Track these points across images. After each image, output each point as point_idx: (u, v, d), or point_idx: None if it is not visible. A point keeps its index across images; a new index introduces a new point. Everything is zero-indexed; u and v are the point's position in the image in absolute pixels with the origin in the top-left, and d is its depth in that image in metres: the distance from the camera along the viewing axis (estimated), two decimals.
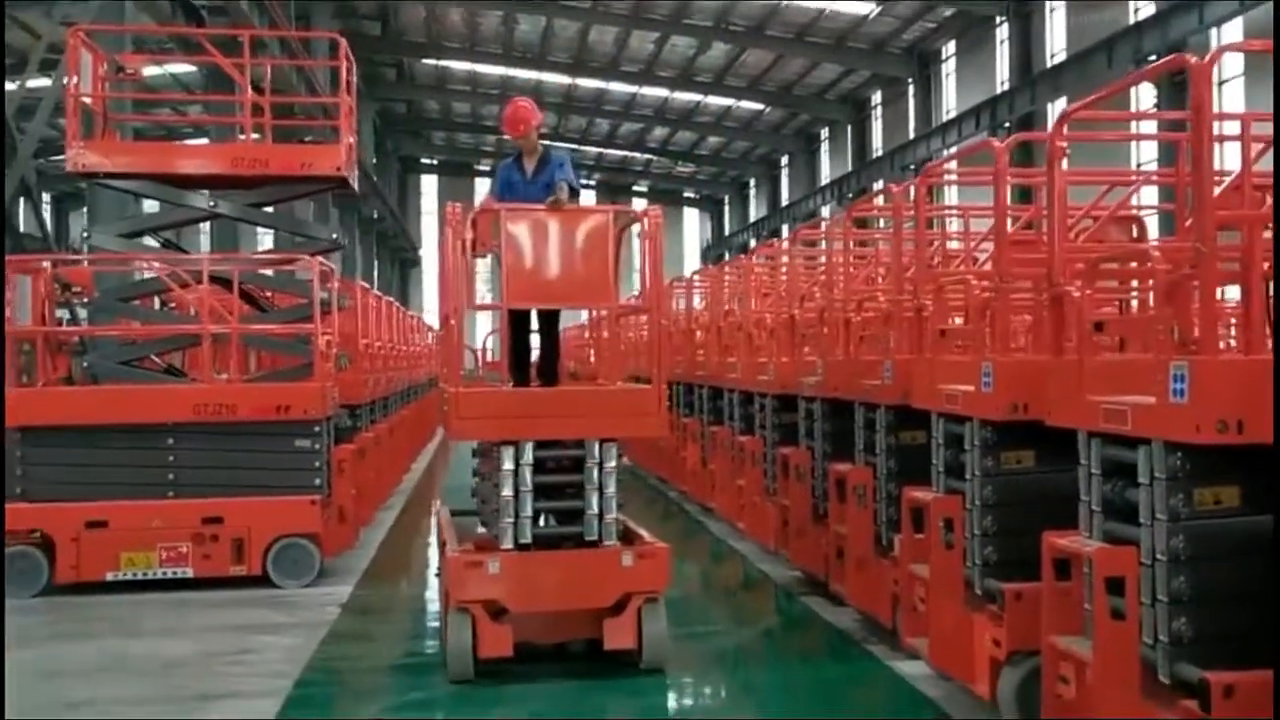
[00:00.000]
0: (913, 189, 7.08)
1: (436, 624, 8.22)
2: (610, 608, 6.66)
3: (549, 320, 7.62)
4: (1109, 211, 6.59)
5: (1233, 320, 6.58)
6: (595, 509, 6.67)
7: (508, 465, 6.57)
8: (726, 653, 7.87)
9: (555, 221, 6.93)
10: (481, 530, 7.66)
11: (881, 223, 14.58)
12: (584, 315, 17.90)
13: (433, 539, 12.33)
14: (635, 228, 7.38)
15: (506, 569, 6.52)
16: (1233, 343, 7.02)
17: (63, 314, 12.08)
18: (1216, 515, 4.10)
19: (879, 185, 37.98)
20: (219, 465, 9.31)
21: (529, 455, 6.59)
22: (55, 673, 6.97)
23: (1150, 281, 5.17)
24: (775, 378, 9.78)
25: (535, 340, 7.76)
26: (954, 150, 31.87)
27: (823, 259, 12.60)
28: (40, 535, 9.12)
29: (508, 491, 6.57)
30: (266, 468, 9.38)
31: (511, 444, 6.59)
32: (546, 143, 7.76)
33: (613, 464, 6.71)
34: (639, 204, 64.17)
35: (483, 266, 7.45)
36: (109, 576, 9.07)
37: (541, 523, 6.81)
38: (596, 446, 6.67)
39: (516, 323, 7.48)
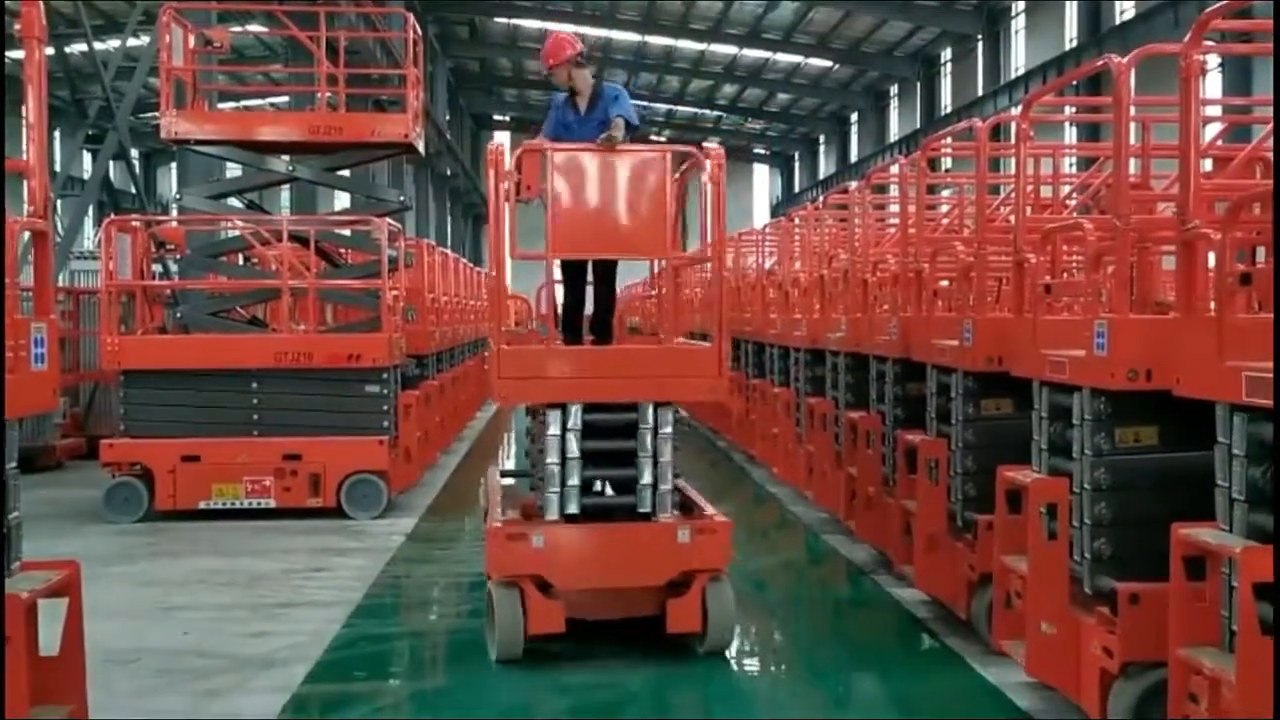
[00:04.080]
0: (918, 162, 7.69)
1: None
2: (669, 586, 6.13)
3: (605, 272, 7.07)
4: (1101, 179, 7.16)
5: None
6: (649, 478, 6.11)
7: (554, 430, 6.06)
8: (756, 577, 8.67)
9: (608, 162, 6.22)
10: (533, 493, 7.07)
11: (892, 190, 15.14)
12: (645, 268, 18.22)
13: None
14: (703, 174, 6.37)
15: (551, 542, 6.02)
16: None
17: (157, 269, 13.21)
18: (1135, 451, 4.76)
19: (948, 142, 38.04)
20: (298, 407, 10.30)
21: (576, 419, 6.06)
22: (155, 583, 8.02)
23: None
24: (807, 333, 10.46)
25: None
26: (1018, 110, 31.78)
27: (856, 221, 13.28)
28: (141, 468, 10.21)
29: (554, 459, 6.06)
30: (340, 410, 10.34)
31: (559, 407, 6.07)
32: (612, 83, 7.27)
33: (668, 429, 6.13)
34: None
35: (533, 213, 6.46)
36: (201, 505, 10.13)
37: (601, 489, 6.42)
38: (650, 410, 6.11)
39: (571, 275, 7.06)
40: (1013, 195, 8.25)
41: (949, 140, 8.35)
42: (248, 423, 10.29)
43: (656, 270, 7.45)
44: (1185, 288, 4.19)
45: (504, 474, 7.80)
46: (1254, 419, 3.77)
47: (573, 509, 6.09)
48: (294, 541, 9.35)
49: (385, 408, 10.42)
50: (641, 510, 6.16)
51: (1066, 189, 8.16)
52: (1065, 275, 6.27)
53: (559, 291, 7.16)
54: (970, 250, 6.39)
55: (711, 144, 6.33)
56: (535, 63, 51.07)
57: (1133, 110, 5.01)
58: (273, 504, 10.17)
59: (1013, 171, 6.22)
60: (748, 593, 8.28)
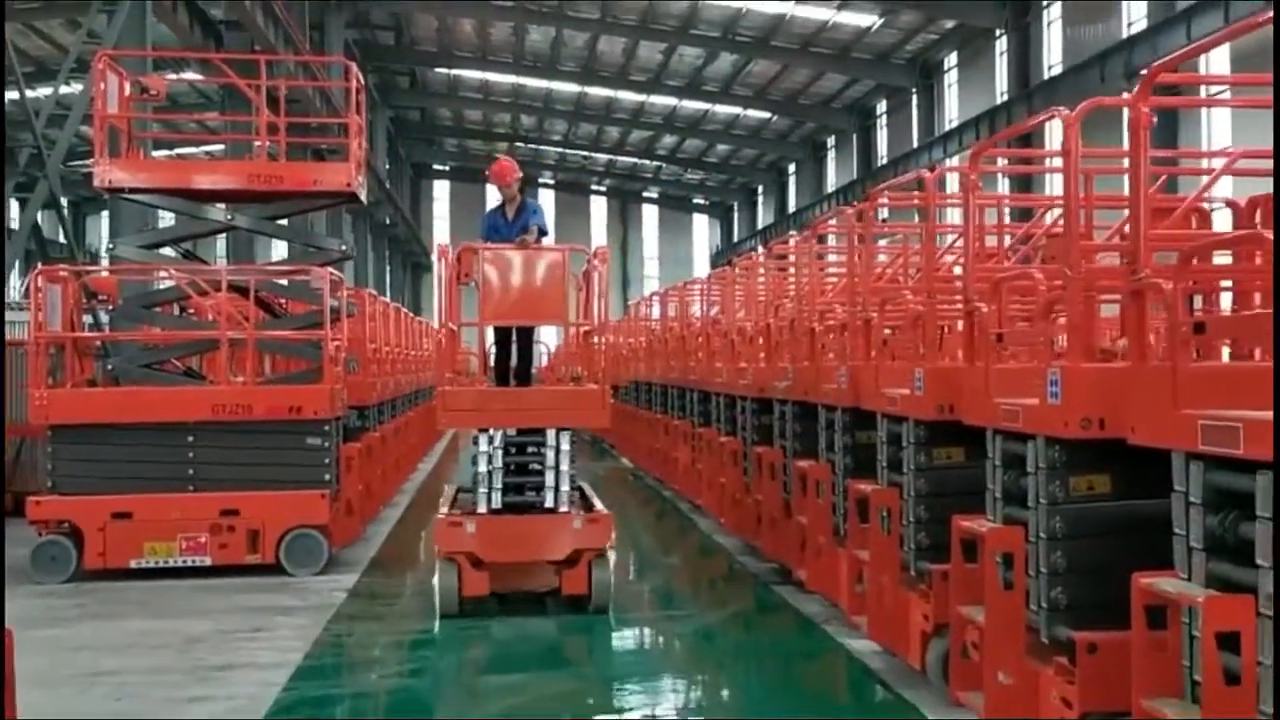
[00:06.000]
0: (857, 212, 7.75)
1: (434, 608, 9.00)
2: (566, 561, 8.32)
3: (524, 334, 9.40)
4: (1044, 229, 7.26)
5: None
6: (552, 482, 8.35)
7: (483, 447, 8.30)
8: (705, 630, 8.55)
9: (522, 257, 8.67)
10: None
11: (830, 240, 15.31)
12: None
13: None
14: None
15: (480, 528, 8.22)
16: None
17: (87, 319, 12.86)
18: (1090, 500, 4.76)
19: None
20: (235, 461, 10.02)
21: (499, 440, 8.32)
22: (85, 647, 7.69)
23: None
24: (753, 382, 10.44)
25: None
26: (952, 161, 32.47)
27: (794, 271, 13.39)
28: (69, 526, 9.84)
29: (483, 467, 8.30)
30: (280, 464, 10.08)
31: (486, 431, 8.31)
32: (533, 200, 9.76)
33: (567, 447, 8.37)
34: (648, 210, 65.16)
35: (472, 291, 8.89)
36: (133, 564, 9.78)
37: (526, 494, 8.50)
38: (554, 434, 8.34)
39: (502, 336, 9.28)
40: (954, 245, 8.37)
41: (886, 192, 8.40)
42: (183, 478, 9.99)
43: (578, 333, 9.50)
44: (1136, 337, 4.21)
45: (460, 490, 9.65)
46: (1210, 467, 3.77)
47: (497, 505, 8.31)
48: (231, 600, 9.06)
49: (327, 460, 10.19)
50: (547, 506, 8.35)
51: (1008, 239, 8.24)
52: (1016, 324, 6.30)
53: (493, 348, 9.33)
54: (920, 299, 6.42)
55: (602, 246, 9.39)
56: (475, 113, 51.32)
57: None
58: (209, 562, 9.86)
59: (954, 221, 6.31)
60: (696, 646, 8.20)
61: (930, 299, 6.16)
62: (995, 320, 5.35)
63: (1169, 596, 3.82)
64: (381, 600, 9.44)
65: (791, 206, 50.50)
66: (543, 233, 9.14)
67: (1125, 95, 5.24)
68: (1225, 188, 8.26)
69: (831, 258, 10.94)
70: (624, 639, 8.56)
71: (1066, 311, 4.62)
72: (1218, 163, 6.50)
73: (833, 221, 10.21)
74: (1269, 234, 3.87)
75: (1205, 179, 6.16)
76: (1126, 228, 6.50)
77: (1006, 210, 10.80)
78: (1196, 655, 3.73)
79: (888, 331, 7.39)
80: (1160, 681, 3.94)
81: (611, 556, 8.63)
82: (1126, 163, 5.22)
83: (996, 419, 5.14)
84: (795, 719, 6.36)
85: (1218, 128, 21.73)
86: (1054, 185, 26.32)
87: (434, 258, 8.71)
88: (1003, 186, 27.50)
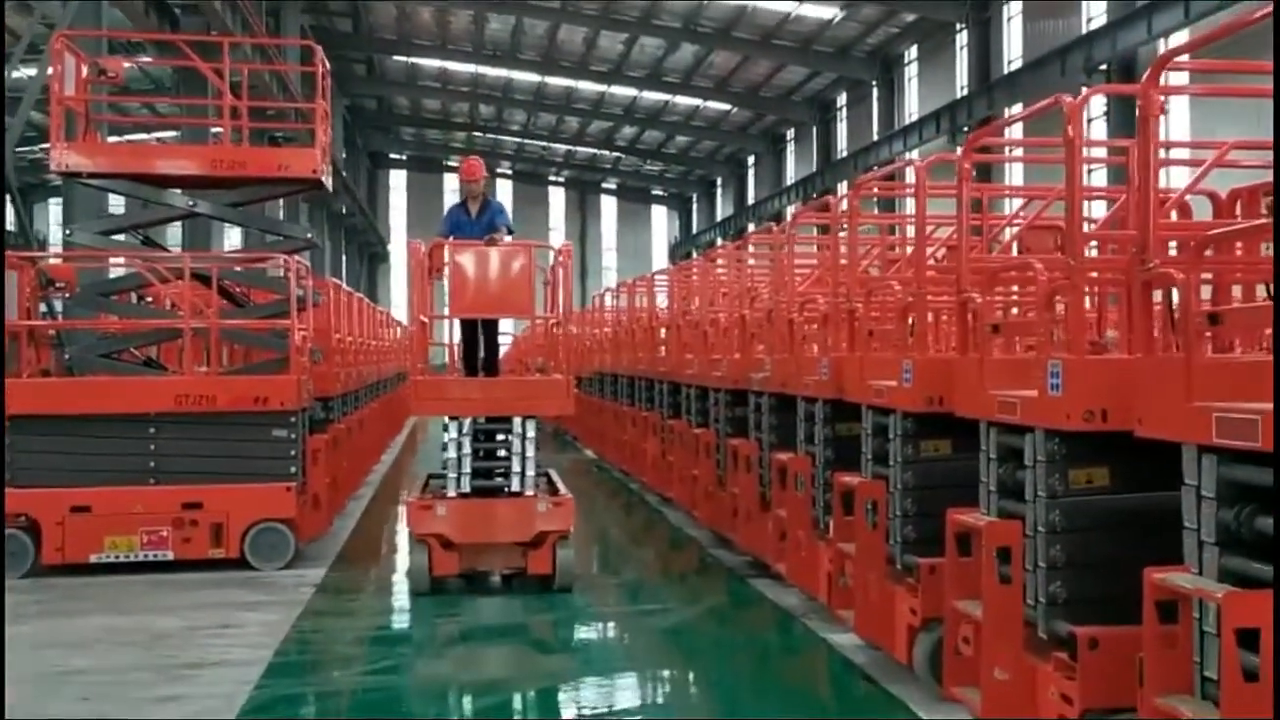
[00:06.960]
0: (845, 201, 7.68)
1: (404, 603, 8.99)
2: (531, 542, 8.72)
3: (491, 327, 9.78)
4: (1026, 221, 7.22)
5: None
6: (519, 468, 8.74)
7: (453, 434, 8.72)
8: (678, 626, 8.45)
9: (490, 254, 9.08)
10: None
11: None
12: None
13: (402, 525, 12.91)
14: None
15: (450, 511, 8.64)
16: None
17: (42, 308, 12.50)
18: (1088, 493, 4.72)
19: (843, 186, 38.85)
20: (199, 454, 9.76)
21: (468, 427, 8.72)
22: (48, 645, 7.45)
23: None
24: (728, 373, 10.36)
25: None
26: (913, 155, 32.64)
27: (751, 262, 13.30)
28: (26, 519, 9.55)
29: (452, 454, 8.72)
30: (244, 456, 9.84)
31: (456, 419, 8.70)
32: (496, 199, 10.10)
33: (532, 434, 8.78)
34: (607, 201, 64.99)
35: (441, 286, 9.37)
36: (92, 559, 9.51)
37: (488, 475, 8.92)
38: (520, 421, 8.74)
39: (469, 328, 9.65)
40: (931, 235, 8.32)
41: (843, 183, 8.35)
42: (144, 470, 9.72)
43: (548, 326, 10.11)
44: (1143, 328, 4.15)
45: (430, 476, 9.94)
46: (1224, 460, 3.71)
47: (466, 489, 8.71)
48: (196, 596, 8.84)
49: (293, 453, 9.96)
50: (513, 490, 8.73)
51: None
52: (1000, 314, 6.26)
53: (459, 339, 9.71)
54: (909, 289, 6.36)
55: (566, 243, 9.85)
56: (434, 102, 50.85)
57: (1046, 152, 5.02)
58: (171, 556, 9.60)
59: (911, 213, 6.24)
60: (672, 639, 8.08)
61: (921, 289, 6.09)
62: (989, 311, 5.29)
63: (1185, 592, 3.73)
64: (350, 595, 9.26)
65: (751, 199, 50.58)
66: (510, 232, 9.55)
67: (1077, 88, 5.20)
68: (1179, 179, 8.29)
69: (809, 248, 10.89)
70: (597, 634, 8.45)
71: (1068, 302, 4.56)
72: (1177, 154, 6.52)
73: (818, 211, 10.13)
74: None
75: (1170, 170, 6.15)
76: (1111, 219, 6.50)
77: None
78: (1209, 651, 3.68)
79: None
80: (1168, 678, 3.87)
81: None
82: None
83: (992, 411, 5.08)
84: (783, 717, 6.28)
85: (1175, 118, 21.91)
86: (1012, 178, 26.49)
87: (404, 253, 9.41)
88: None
